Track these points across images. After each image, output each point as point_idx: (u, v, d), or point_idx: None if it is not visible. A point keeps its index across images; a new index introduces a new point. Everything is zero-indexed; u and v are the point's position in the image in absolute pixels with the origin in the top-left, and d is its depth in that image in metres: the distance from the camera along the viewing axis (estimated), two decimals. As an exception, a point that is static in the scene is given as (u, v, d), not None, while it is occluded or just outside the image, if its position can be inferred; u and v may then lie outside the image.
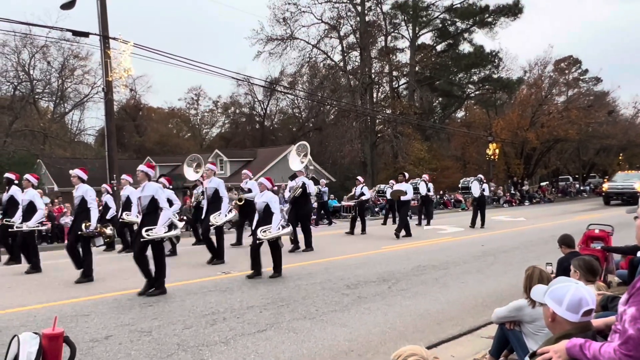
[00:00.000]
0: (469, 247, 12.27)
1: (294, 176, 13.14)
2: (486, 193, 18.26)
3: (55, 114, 43.00)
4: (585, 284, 2.77)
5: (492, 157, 37.37)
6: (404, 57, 45.42)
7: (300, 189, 12.20)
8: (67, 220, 16.42)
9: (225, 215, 10.83)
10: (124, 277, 8.93)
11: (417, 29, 43.86)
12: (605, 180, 35.55)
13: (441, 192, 33.42)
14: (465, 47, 45.48)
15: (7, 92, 36.97)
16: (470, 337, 5.40)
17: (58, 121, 42.26)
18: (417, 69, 43.74)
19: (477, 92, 48.28)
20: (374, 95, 44.96)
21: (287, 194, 17.46)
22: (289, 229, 9.17)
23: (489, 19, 43.00)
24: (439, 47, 46.20)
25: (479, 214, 17.48)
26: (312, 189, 13.06)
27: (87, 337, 5.24)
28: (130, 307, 6.57)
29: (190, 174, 14.02)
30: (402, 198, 14.91)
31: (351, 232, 16.18)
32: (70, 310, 6.39)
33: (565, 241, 6.35)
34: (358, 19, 41.62)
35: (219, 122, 61.22)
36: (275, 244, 8.69)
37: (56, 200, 19.70)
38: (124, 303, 6.81)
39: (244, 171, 14.93)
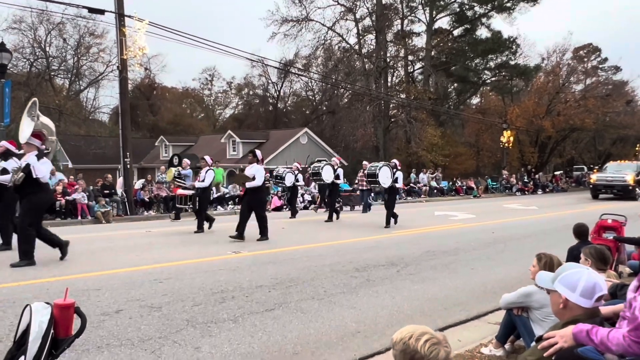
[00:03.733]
0: (479, 234, 12.23)
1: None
2: (399, 184, 14.35)
3: (70, 91, 43.27)
4: (595, 272, 2.75)
5: (506, 144, 37.05)
6: (419, 42, 45.00)
7: None
8: (79, 196, 16.61)
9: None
10: (135, 253, 9.03)
11: (434, 12, 43.29)
12: (595, 170, 31.91)
13: (453, 179, 33.28)
14: (482, 33, 44.91)
15: (24, 68, 37.25)
16: (477, 322, 5.40)
17: (73, 98, 42.56)
18: (432, 53, 43.27)
19: (493, 79, 47.72)
20: (389, 79, 44.66)
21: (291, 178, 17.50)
22: None
23: (508, 4, 42.30)
24: (455, 32, 45.63)
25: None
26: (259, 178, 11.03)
27: (98, 311, 5.32)
28: (141, 283, 6.65)
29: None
30: (248, 185, 10.95)
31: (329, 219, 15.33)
32: (82, 285, 6.49)
33: (579, 230, 6.30)
34: (374, 1, 41.17)
35: (232, 103, 61.31)
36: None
37: (71, 177, 19.90)
38: (134, 279, 6.90)
39: (333, 159, 17.00)
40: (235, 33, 73.57)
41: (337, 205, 16.76)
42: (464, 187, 31.25)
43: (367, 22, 42.51)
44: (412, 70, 45.82)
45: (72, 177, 20.07)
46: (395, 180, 13.63)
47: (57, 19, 34.77)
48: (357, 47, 42.90)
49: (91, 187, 18.23)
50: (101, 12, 18.06)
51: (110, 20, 18.71)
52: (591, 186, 27.69)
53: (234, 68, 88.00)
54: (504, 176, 34.77)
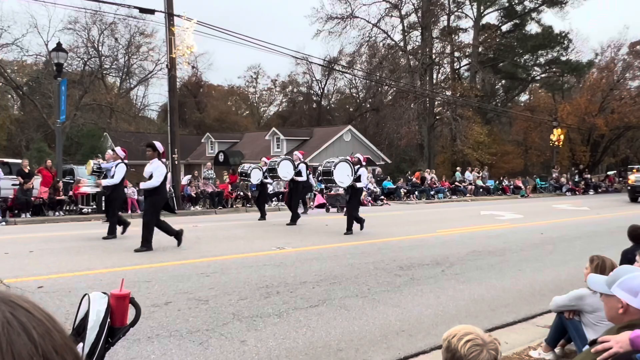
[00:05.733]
0: (527, 234, 11.93)
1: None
2: (362, 183, 11.95)
3: (121, 89, 44.63)
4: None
5: (556, 143, 35.93)
6: (466, 38, 44.15)
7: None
8: (129, 191, 17.13)
9: None
10: (183, 247, 9.26)
11: (481, 8, 42.39)
12: (635, 171, 28.91)
13: (500, 178, 32.55)
14: (532, 28, 43.68)
15: (78, 67, 38.62)
16: (525, 325, 5.28)
17: (124, 96, 43.88)
18: (480, 49, 42.39)
19: (543, 75, 46.35)
20: (434, 76, 44.05)
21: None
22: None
23: (560, -2, 40.99)
24: (504, 27, 44.56)
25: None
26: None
27: (149, 302, 5.49)
28: (189, 276, 6.82)
29: None
30: (143, 185, 9.35)
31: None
32: (133, 276, 6.70)
33: (634, 232, 6.06)
34: (420, -3, 40.67)
35: (276, 100, 61.81)
36: None
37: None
38: (182, 272, 7.08)
39: (295, 152, 14.96)
40: (280, 31, 74.15)
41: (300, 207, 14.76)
42: (511, 187, 30.52)
43: (413, 18, 42.06)
44: (458, 67, 45.06)
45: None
46: (358, 179, 11.55)
47: (109, 19, 35.91)
48: (402, 43, 42.50)
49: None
50: (151, 12, 18.56)
51: (160, 19, 19.22)
52: (629, 187, 25.08)
53: (278, 66, 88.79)
54: (554, 176, 33.75)
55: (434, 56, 42.03)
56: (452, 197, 26.25)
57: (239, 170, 16.70)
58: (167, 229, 9.29)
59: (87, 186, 13.27)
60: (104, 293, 2.52)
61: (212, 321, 4.96)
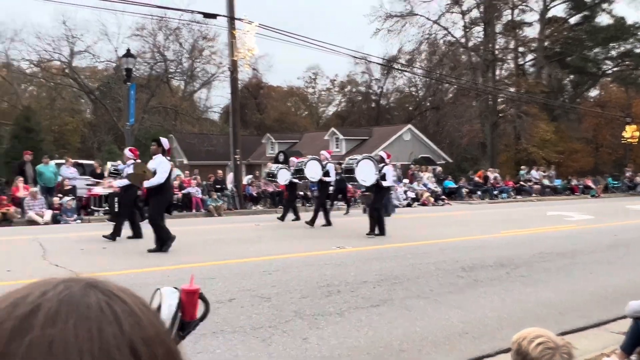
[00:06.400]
0: (598, 236, 11.37)
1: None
2: (388, 182, 11.14)
3: (185, 92, 46.13)
4: None
5: (629, 140, 34.01)
6: (531, 32, 42.56)
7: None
8: (193, 190, 17.70)
9: None
10: (245, 245, 9.47)
11: (547, 0, 40.78)
12: None
13: (568, 177, 31.19)
14: (603, 19, 41.54)
15: (145, 72, 40.24)
16: (597, 330, 5.05)
17: (188, 99, 45.34)
18: (546, 44, 40.77)
19: (615, 69, 44.00)
20: (497, 72, 42.75)
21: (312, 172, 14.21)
22: None
23: (634, -13, 38.82)
24: (572, 20, 42.65)
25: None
26: None
27: (213, 299, 5.64)
28: (251, 274, 6.96)
29: None
30: (147, 184, 8.76)
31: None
32: (198, 273, 6.91)
33: None
34: (483, -8, 39.61)
35: (335, 100, 61.92)
36: None
37: (186, 172, 21.24)
38: (245, 270, 7.24)
39: (322, 152, 14.19)
40: (339, 31, 74.28)
41: (328, 205, 14.10)
42: (581, 186, 29.16)
43: (475, 13, 41.01)
44: (522, 62, 43.53)
45: (187, 172, 21.44)
46: (383, 177, 10.90)
47: (174, 25, 37.22)
48: (463, 40, 41.55)
49: (204, 182, 19.36)
50: (214, 16, 19.09)
51: (222, 23, 19.66)
52: None
53: (337, 66, 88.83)
54: (627, 174, 31.97)
55: (496, 52, 40.82)
56: (516, 197, 25.40)
57: (266, 170, 16.30)
58: (161, 237, 8.75)
59: (100, 187, 13.55)
60: (175, 288, 2.63)
61: (274, 318, 5.05)
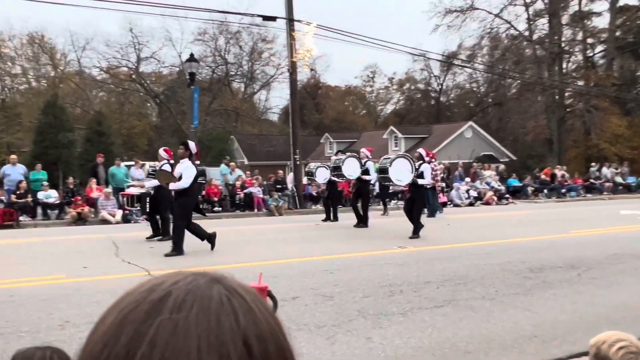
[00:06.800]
0: (678, 236, 10.70)
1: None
2: (425, 181, 10.89)
3: (245, 94, 47.10)
4: None
5: None
6: (601, 22, 40.48)
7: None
8: (255, 190, 18.05)
9: None
10: (306, 244, 9.58)
11: (619, -12, 38.69)
12: None
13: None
14: (680, 5, 38.91)
15: (206, 75, 41.42)
16: (679, 336, 4.76)
17: (248, 101, 46.29)
18: (617, 34, 38.69)
19: (694, 58, 41.16)
20: (564, 65, 41.00)
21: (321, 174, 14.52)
22: None
23: None
24: (646, 8, 40.22)
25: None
26: None
27: (278, 297, 5.69)
28: (313, 273, 7.03)
29: None
30: (172, 186, 8.75)
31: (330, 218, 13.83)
32: (263, 271, 7.04)
33: None
34: (547, -18, 38.12)
35: (393, 98, 61.40)
36: None
37: (247, 172, 21.68)
38: (307, 268, 7.32)
39: (362, 150, 13.84)
40: (397, 28, 73.60)
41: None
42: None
43: (539, 5, 39.50)
44: (591, 54, 41.49)
45: (248, 172, 21.88)
46: (420, 176, 10.62)
47: (234, 29, 38.11)
48: (527, 33, 40.13)
49: (265, 182, 19.70)
50: (273, 19, 19.40)
51: (281, 26, 19.94)
52: None
53: (395, 64, 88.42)
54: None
55: (563, 44, 39.16)
56: (586, 196, 24.28)
57: (305, 169, 15.98)
58: (199, 233, 8.87)
59: (132, 187, 13.90)
60: (244, 286, 2.72)
61: (337, 317, 5.08)
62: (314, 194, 19.81)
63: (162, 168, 9.84)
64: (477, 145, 34.42)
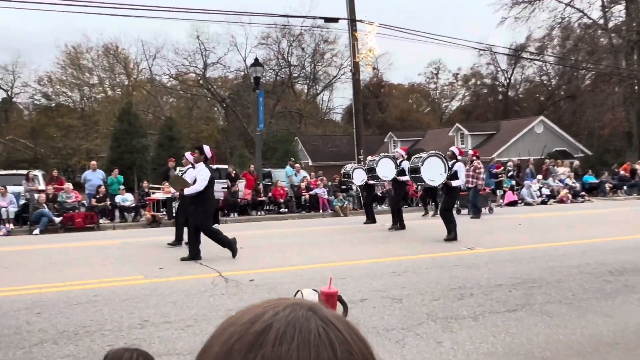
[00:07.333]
0: None
1: None
2: (459, 181, 10.46)
3: (308, 95, 47.53)
4: None
5: None
6: (686, 5, 37.76)
7: None
8: (320, 191, 18.18)
9: None
10: (372, 245, 9.55)
11: None
12: None
13: None
14: None
15: (270, 78, 42.15)
16: None
17: (311, 102, 46.69)
18: None
19: None
20: (643, 54, 38.56)
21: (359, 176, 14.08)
22: None
23: None
24: None
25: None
26: None
27: (345, 298, 5.73)
28: (380, 274, 7.00)
29: None
30: (187, 191, 8.64)
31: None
32: (329, 273, 7.08)
33: None
34: (624, -34, 35.99)
35: (458, 94, 60.04)
36: None
37: (312, 174, 21.88)
38: (374, 270, 7.30)
39: (397, 149, 13.33)
40: (462, 23, 71.89)
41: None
42: None
43: (615, -9, 37.37)
44: (674, 40, 38.76)
45: (312, 173, 22.07)
46: (454, 176, 10.17)
47: (296, 31, 38.54)
48: (601, 21, 38.06)
49: (329, 183, 19.81)
50: (335, 20, 19.48)
51: (343, 26, 19.99)
52: None
53: (459, 59, 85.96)
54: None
55: (642, 31, 36.83)
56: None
57: (342, 171, 15.66)
58: (219, 238, 8.68)
59: (160, 192, 14.04)
60: (314, 290, 2.75)
61: (406, 320, 5.04)
62: (379, 194, 19.70)
63: (177, 174, 9.82)
64: (548, 141, 33.02)
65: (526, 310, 5.30)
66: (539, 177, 21.17)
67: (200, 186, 8.44)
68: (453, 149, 10.93)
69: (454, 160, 10.39)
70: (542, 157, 28.11)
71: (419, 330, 4.76)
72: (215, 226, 9.64)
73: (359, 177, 13.93)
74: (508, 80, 52.43)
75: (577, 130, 37.38)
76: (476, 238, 10.26)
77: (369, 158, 13.91)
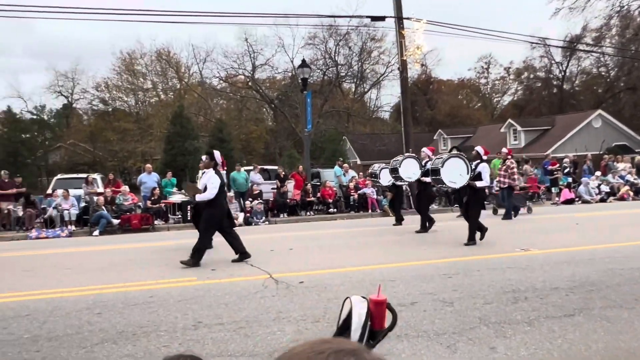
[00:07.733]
0: None
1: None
2: (484, 182, 9.91)
3: (355, 94, 47.43)
4: None
5: None
6: None
7: None
8: (368, 191, 18.11)
9: None
10: (423, 247, 9.43)
11: None
12: None
13: None
14: None
15: (318, 78, 42.32)
16: None
17: (358, 100, 46.56)
18: None
19: None
20: None
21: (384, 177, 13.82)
22: None
23: None
24: None
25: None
26: None
27: (395, 302, 5.73)
28: (431, 277, 6.91)
29: None
30: (198, 197, 8.82)
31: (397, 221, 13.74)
32: (378, 275, 7.09)
33: None
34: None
35: (510, 89, 58.42)
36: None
37: (360, 174, 21.83)
38: (424, 272, 7.22)
39: (423, 149, 12.79)
40: (511, 15, 69.89)
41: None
42: None
43: (678, -24, 35.44)
44: None
45: (361, 173, 22.02)
46: (477, 177, 9.76)
47: (343, 31, 38.54)
48: (664, 7, 36.17)
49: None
50: (382, 18, 19.34)
51: (390, 24, 19.82)
52: None
53: (511, 53, 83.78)
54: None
55: None
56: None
57: (369, 171, 15.38)
58: (235, 245, 8.71)
59: (175, 196, 14.03)
60: (363, 297, 2.75)
61: (458, 324, 4.95)
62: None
63: (189, 181, 9.81)
64: (607, 135, 31.69)
65: (584, 316, 5.11)
66: (598, 173, 20.35)
67: (210, 194, 8.46)
68: (478, 148, 10.49)
69: (478, 161, 10.01)
70: (601, 152, 27.01)
71: (471, 335, 4.67)
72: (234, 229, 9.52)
73: (386, 178, 13.65)
74: (563, 73, 50.63)
75: (639, 123, 35.64)
76: (530, 239, 9.97)
77: (429, 151, 13.45)
